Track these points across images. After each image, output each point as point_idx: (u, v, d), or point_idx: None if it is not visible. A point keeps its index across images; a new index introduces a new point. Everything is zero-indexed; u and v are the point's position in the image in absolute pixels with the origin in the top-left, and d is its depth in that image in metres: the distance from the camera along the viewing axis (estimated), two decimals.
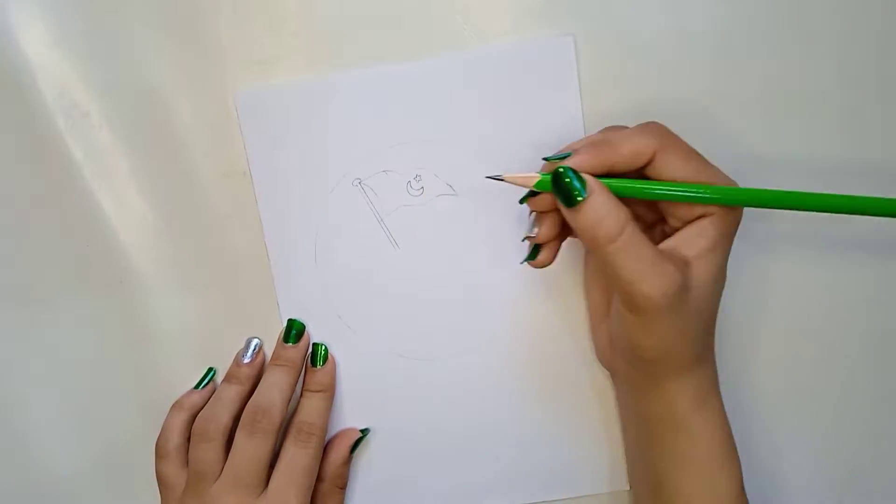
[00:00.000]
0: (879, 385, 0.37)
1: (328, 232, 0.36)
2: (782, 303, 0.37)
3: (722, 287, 0.31)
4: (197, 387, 0.37)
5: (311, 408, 0.36)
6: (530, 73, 0.35)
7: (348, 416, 0.38)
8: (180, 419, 0.36)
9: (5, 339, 0.38)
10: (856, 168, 0.36)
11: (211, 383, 0.37)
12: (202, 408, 0.36)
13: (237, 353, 0.37)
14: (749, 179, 0.36)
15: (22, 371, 0.38)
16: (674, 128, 0.35)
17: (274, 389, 0.35)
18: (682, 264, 0.29)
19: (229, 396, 0.35)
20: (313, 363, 0.36)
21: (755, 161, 0.36)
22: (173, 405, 0.37)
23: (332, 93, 0.35)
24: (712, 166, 0.30)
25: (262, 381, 0.36)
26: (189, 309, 0.37)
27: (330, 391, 0.36)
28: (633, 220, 0.28)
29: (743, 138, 0.36)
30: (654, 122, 0.30)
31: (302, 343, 0.36)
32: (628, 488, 0.38)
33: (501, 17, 0.35)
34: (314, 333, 0.37)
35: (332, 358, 0.37)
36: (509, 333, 0.37)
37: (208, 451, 0.34)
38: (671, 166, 0.29)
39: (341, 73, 0.35)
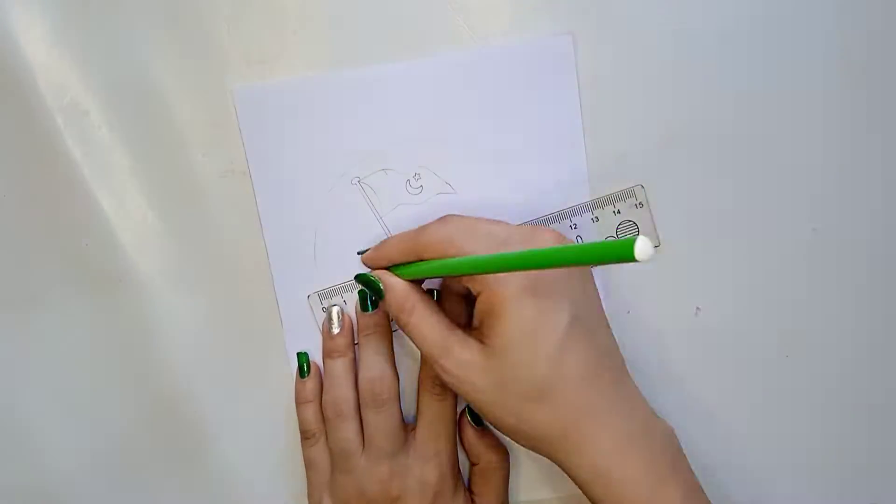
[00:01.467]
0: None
1: (327, 230, 0.36)
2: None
3: (546, 347, 0.29)
4: (302, 375, 0.37)
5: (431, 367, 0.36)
6: (529, 72, 0.35)
7: None
8: (313, 409, 0.36)
9: (5, 339, 0.38)
10: (856, 167, 0.36)
11: (314, 367, 0.37)
12: (321, 392, 0.37)
13: (323, 328, 0.37)
14: (751, 175, 0.36)
15: (21, 371, 0.38)
16: (674, 128, 0.36)
17: (377, 358, 0.35)
18: (477, 336, 0.31)
19: (342, 371, 0.36)
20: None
21: (755, 161, 0.36)
22: (299, 402, 0.37)
23: (331, 91, 0.35)
24: (478, 241, 0.30)
25: (360, 356, 0.36)
26: (188, 307, 0.37)
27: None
28: (427, 300, 0.32)
29: (743, 138, 0.36)
30: (430, 223, 0.33)
31: (382, 306, 0.36)
32: None
33: (500, 16, 0.35)
34: (312, 331, 0.37)
35: None
36: None
37: (348, 430, 0.35)
38: (430, 255, 0.32)
39: (341, 72, 0.35)
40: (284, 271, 0.37)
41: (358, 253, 0.36)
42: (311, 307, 0.37)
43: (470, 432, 0.36)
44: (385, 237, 0.36)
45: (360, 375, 0.35)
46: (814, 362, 0.37)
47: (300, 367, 0.37)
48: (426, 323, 0.32)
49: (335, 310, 0.36)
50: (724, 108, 0.35)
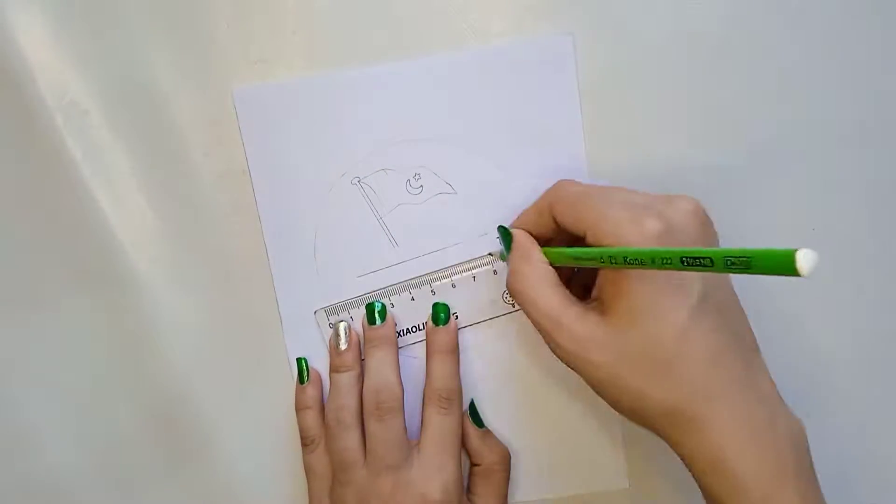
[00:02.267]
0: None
1: (327, 230, 0.36)
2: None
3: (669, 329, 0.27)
4: (301, 381, 0.37)
5: (443, 371, 0.35)
6: (529, 72, 0.35)
7: None
8: (312, 416, 0.36)
9: (5, 339, 0.38)
10: (856, 167, 0.36)
11: (314, 373, 0.37)
12: (321, 399, 0.36)
13: (330, 343, 0.36)
14: (751, 175, 0.36)
15: (21, 371, 0.38)
16: (673, 128, 0.36)
17: (383, 369, 0.35)
18: (597, 310, 0.29)
19: (347, 383, 0.35)
20: (435, 322, 0.36)
21: (755, 160, 0.36)
22: (299, 408, 0.37)
23: (331, 91, 0.35)
24: (612, 202, 0.29)
25: (366, 366, 0.35)
26: (188, 307, 0.37)
27: (456, 352, 0.36)
28: (547, 273, 0.31)
29: (742, 138, 0.36)
30: (558, 182, 0.32)
31: (388, 320, 0.36)
32: (627, 485, 0.38)
33: (500, 16, 0.35)
34: (313, 331, 0.37)
35: (454, 317, 0.36)
36: (509, 330, 0.37)
37: (348, 439, 0.34)
38: (565, 218, 0.30)
39: (340, 72, 0.35)
40: (284, 271, 0.37)
41: (498, 228, 0.35)
42: (318, 323, 0.37)
43: (473, 433, 0.36)
44: (384, 236, 0.36)
45: (365, 385, 0.35)
46: (814, 362, 0.37)
47: (299, 373, 0.37)
48: (542, 295, 0.30)
49: (342, 325, 0.36)
50: (723, 108, 0.35)
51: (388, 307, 0.36)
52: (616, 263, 0.26)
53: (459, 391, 0.35)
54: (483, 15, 0.35)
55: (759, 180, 0.36)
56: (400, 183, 0.36)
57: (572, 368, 0.30)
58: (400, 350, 0.36)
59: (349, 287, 0.37)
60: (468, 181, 0.36)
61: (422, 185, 0.36)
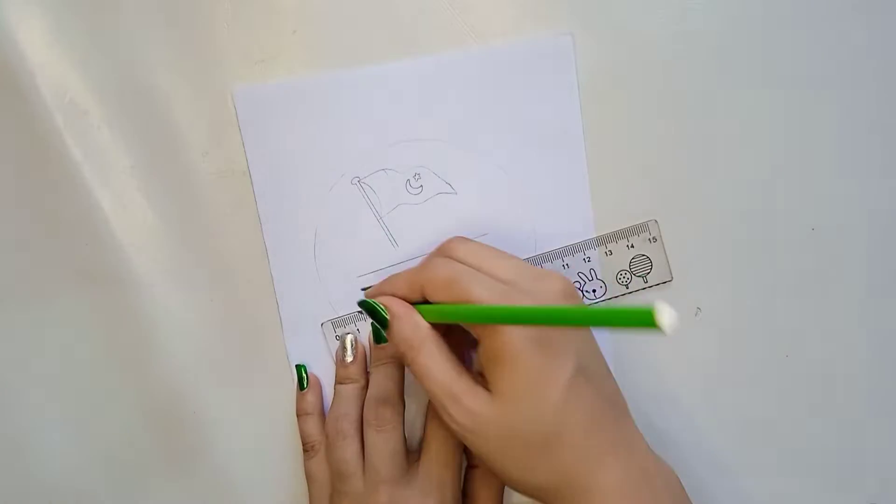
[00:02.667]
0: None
1: (327, 230, 0.36)
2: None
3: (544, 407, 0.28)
4: (301, 388, 0.37)
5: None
6: (529, 72, 0.35)
7: None
8: (312, 422, 0.36)
9: (4, 339, 0.38)
10: (855, 167, 0.36)
11: (314, 378, 0.37)
12: (322, 406, 0.36)
13: (337, 356, 0.37)
14: (751, 175, 0.36)
15: (21, 371, 0.38)
16: (672, 127, 0.36)
17: (387, 382, 0.34)
18: (483, 384, 0.30)
19: (350, 393, 0.35)
20: None
21: (754, 160, 0.36)
22: (299, 414, 0.37)
23: (331, 91, 0.35)
24: (480, 285, 0.29)
25: (371, 378, 0.35)
26: (188, 307, 0.37)
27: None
28: (436, 338, 0.31)
29: (742, 137, 0.36)
30: (433, 257, 0.33)
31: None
32: None
33: (500, 17, 0.35)
34: (312, 331, 0.37)
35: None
36: None
37: (346, 450, 0.34)
38: (433, 298, 0.31)
39: (340, 72, 0.35)
40: (284, 271, 0.37)
41: (362, 289, 0.35)
42: (325, 334, 0.37)
43: None
44: (384, 236, 0.36)
45: (367, 395, 0.35)
46: (814, 362, 0.37)
47: (299, 380, 0.37)
48: (435, 364, 0.30)
49: (349, 338, 0.36)
50: (723, 108, 0.35)
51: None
52: (486, 319, 0.28)
53: None
54: (483, 15, 0.35)
55: (759, 180, 0.36)
56: (400, 183, 0.36)
57: (462, 440, 0.30)
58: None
59: (349, 287, 0.37)
60: (468, 181, 0.36)
61: (422, 185, 0.36)
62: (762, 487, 0.37)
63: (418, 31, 0.35)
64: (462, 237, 0.34)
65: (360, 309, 0.34)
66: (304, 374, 0.37)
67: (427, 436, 0.34)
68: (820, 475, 0.37)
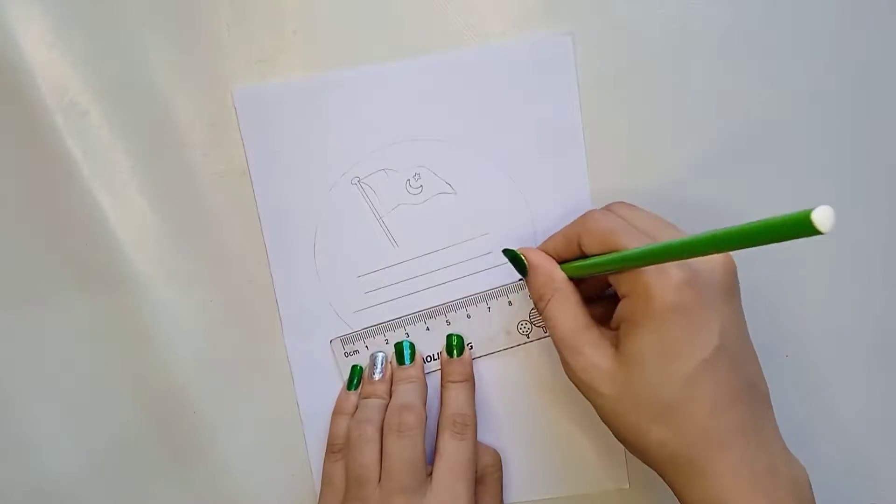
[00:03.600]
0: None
1: (327, 230, 0.36)
2: None
3: (688, 357, 0.27)
4: (349, 388, 0.37)
5: (458, 399, 0.35)
6: (529, 72, 0.35)
7: None
8: (346, 423, 0.36)
9: (4, 339, 0.38)
10: (855, 167, 0.36)
11: (363, 381, 0.37)
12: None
13: (365, 373, 0.37)
14: (751, 175, 0.36)
15: (21, 371, 0.38)
16: (672, 127, 0.36)
17: (409, 394, 0.35)
18: (613, 340, 0.30)
19: (376, 404, 0.35)
20: (449, 354, 0.36)
21: (754, 161, 0.36)
22: (336, 411, 0.37)
23: (331, 91, 0.35)
24: (639, 239, 0.28)
25: (394, 392, 0.36)
26: (188, 308, 0.37)
27: (471, 380, 0.36)
28: (569, 291, 0.31)
29: (742, 138, 0.36)
30: (592, 211, 0.32)
31: (417, 359, 0.36)
32: (628, 486, 0.38)
33: (500, 17, 0.35)
34: (311, 331, 0.37)
35: (468, 347, 0.37)
36: (508, 331, 0.37)
37: (367, 455, 0.33)
38: (589, 248, 0.31)
39: (340, 72, 0.35)
40: (284, 271, 0.37)
41: (504, 251, 0.35)
42: (333, 352, 0.37)
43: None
44: (384, 236, 0.36)
45: (391, 403, 0.35)
46: (814, 362, 0.37)
47: (351, 379, 0.37)
48: (563, 313, 0.31)
49: (380, 356, 0.37)
50: (723, 108, 0.35)
51: (404, 336, 0.37)
52: (629, 263, 0.27)
53: (474, 419, 0.35)
54: (483, 15, 0.35)
55: (758, 180, 0.36)
56: (400, 183, 0.36)
57: (581, 391, 0.31)
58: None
59: (348, 286, 0.37)
60: (468, 181, 0.36)
61: (421, 185, 0.36)
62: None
63: (418, 31, 0.35)
64: (628, 203, 0.32)
65: (504, 257, 0.34)
66: (356, 376, 0.37)
67: (439, 448, 0.34)
68: (820, 475, 0.37)
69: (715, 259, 0.29)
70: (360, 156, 0.36)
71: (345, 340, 0.37)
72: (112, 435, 0.38)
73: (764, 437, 0.28)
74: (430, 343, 0.37)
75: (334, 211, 0.36)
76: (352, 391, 0.37)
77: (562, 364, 0.31)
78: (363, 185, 0.36)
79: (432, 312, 0.37)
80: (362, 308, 0.37)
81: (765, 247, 0.36)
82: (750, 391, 0.29)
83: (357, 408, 0.36)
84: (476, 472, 0.35)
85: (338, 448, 0.36)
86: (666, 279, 0.27)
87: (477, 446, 0.35)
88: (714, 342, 0.27)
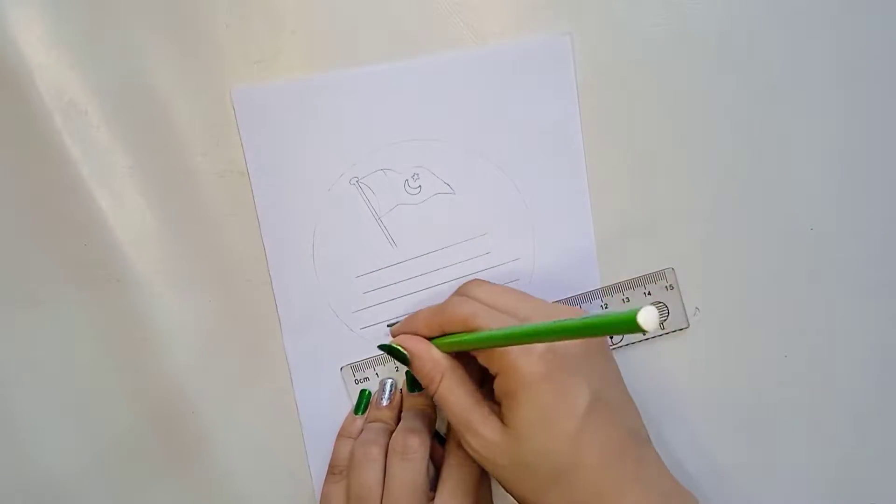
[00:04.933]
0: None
1: (326, 230, 0.36)
2: None
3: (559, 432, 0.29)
4: (356, 412, 0.37)
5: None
6: (527, 72, 0.35)
7: None
8: (350, 447, 0.36)
9: (4, 339, 0.38)
10: (853, 167, 0.36)
11: (371, 407, 0.37)
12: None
13: (374, 397, 0.37)
14: (750, 175, 0.36)
15: (20, 371, 0.38)
16: (671, 127, 0.36)
17: (417, 421, 0.35)
18: (498, 414, 0.31)
19: (381, 427, 0.36)
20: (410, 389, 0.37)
21: (754, 161, 0.36)
22: (340, 434, 0.37)
23: (329, 91, 0.35)
24: (504, 322, 0.30)
25: (402, 417, 0.36)
26: (187, 308, 0.37)
27: None
28: (455, 371, 0.32)
29: (742, 138, 0.36)
30: (452, 297, 0.33)
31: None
32: None
33: (499, 17, 0.35)
34: (310, 331, 0.37)
35: None
36: None
37: (370, 476, 0.34)
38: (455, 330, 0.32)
39: (339, 72, 0.35)
40: (283, 271, 0.37)
41: (388, 325, 0.36)
42: (344, 379, 0.37)
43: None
44: (383, 236, 0.36)
45: (398, 428, 0.35)
46: (814, 362, 0.37)
47: (358, 404, 0.37)
48: (453, 394, 0.32)
49: (389, 382, 0.37)
50: (722, 108, 0.35)
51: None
52: (496, 342, 0.29)
53: None
54: (482, 15, 0.35)
55: (758, 180, 0.36)
56: (398, 183, 0.36)
57: (480, 464, 0.32)
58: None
59: (347, 286, 0.37)
60: (467, 181, 0.36)
61: (420, 185, 0.36)
62: (761, 487, 0.37)
63: (417, 31, 0.35)
64: (481, 280, 0.34)
65: (381, 352, 0.35)
66: (364, 400, 0.37)
67: (444, 472, 0.34)
68: (820, 475, 0.37)
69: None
70: (358, 156, 0.36)
71: (355, 368, 0.37)
72: (111, 435, 0.38)
73: (652, 478, 0.30)
74: None
75: (333, 211, 0.36)
76: (359, 415, 0.37)
77: (461, 442, 0.32)
78: (362, 186, 0.36)
79: None
80: (361, 308, 0.37)
81: (764, 247, 0.36)
82: (632, 437, 0.30)
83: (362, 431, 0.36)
84: (479, 491, 0.35)
85: (339, 470, 0.36)
86: (529, 352, 0.29)
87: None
88: (585, 400, 0.29)
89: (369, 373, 0.37)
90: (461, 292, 0.34)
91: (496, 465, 0.30)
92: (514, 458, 0.30)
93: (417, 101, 0.35)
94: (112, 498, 0.39)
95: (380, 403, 0.37)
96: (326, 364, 0.37)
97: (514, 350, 0.29)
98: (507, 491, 0.31)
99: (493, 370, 0.31)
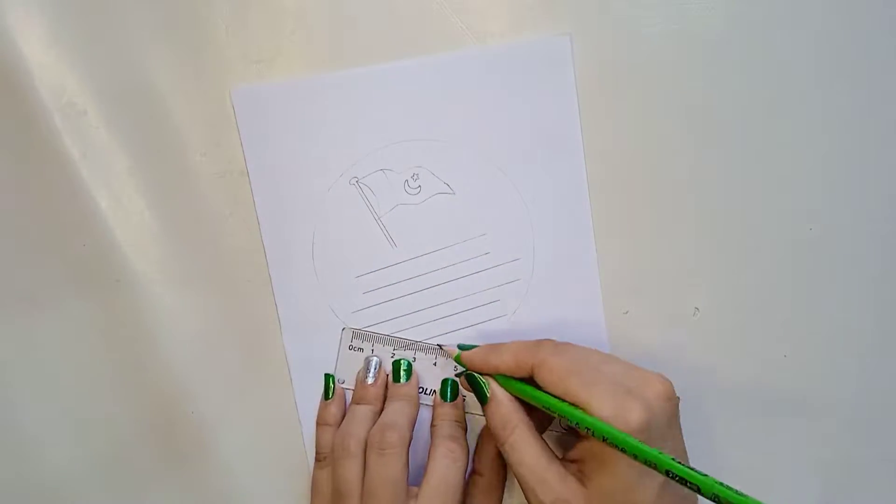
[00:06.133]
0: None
1: (325, 230, 0.36)
2: None
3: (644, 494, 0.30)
4: (326, 397, 0.37)
5: (450, 413, 0.36)
6: (527, 73, 0.35)
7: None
8: (330, 433, 0.36)
9: (4, 339, 0.38)
10: (852, 168, 0.36)
11: (339, 390, 0.37)
12: (341, 420, 0.36)
13: (358, 376, 0.37)
14: (749, 175, 0.36)
15: (21, 371, 0.38)
16: (671, 126, 0.36)
17: (398, 414, 0.35)
18: (576, 474, 0.31)
19: (364, 414, 0.36)
20: (442, 397, 0.37)
21: (753, 161, 0.36)
22: (319, 423, 0.37)
23: (329, 92, 0.35)
24: (599, 384, 0.30)
25: (385, 409, 0.36)
26: (186, 308, 0.37)
27: (461, 403, 0.37)
28: (526, 424, 0.32)
29: (741, 138, 0.36)
30: (547, 341, 0.33)
31: (413, 379, 0.37)
32: None
33: (498, 17, 0.35)
34: (310, 331, 0.37)
35: (461, 398, 0.37)
36: (506, 331, 0.37)
37: (349, 469, 0.34)
38: (547, 384, 0.31)
39: (338, 72, 0.35)
40: (282, 271, 0.37)
41: (459, 346, 0.35)
42: (342, 338, 0.37)
43: (490, 445, 0.35)
44: (382, 236, 0.36)
45: (378, 421, 0.35)
46: (813, 362, 0.37)
47: (325, 389, 0.37)
48: (526, 446, 0.32)
49: (374, 361, 0.37)
50: (722, 108, 0.35)
51: (412, 358, 0.37)
52: (592, 433, 0.29)
53: (465, 438, 0.35)
54: (481, 16, 0.35)
55: (758, 180, 0.36)
56: (398, 183, 0.36)
57: None
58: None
59: (347, 286, 0.37)
60: (466, 181, 0.36)
61: (420, 186, 0.36)
62: (761, 487, 0.37)
63: (416, 31, 0.35)
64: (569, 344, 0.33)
65: (459, 374, 0.35)
66: (330, 385, 0.37)
67: (429, 467, 0.34)
68: (820, 475, 0.37)
69: (660, 393, 0.31)
70: (358, 156, 0.36)
71: (356, 334, 0.37)
72: (111, 435, 0.38)
73: None
74: (434, 377, 0.37)
75: (333, 211, 0.36)
76: (330, 400, 0.37)
77: (526, 494, 0.32)
78: (362, 186, 0.36)
79: (445, 352, 0.37)
80: (361, 308, 0.37)
81: (764, 247, 0.36)
82: (688, 499, 0.31)
83: (340, 417, 0.36)
84: (463, 497, 0.34)
85: (323, 456, 0.36)
86: (628, 422, 0.29)
87: (498, 454, 0.35)
88: (663, 478, 0.29)
89: (366, 346, 0.37)
90: (555, 345, 0.33)
91: None
92: None
93: (417, 101, 0.35)
94: (112, 498, 0.39)
95: (365, 382, 0.36)
96: (325, 364, 0.37)
97: (612, 418, 0.29)
98: None
99: (582, 430, 0.30)
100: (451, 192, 0.36)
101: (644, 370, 0.31)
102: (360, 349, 0.37)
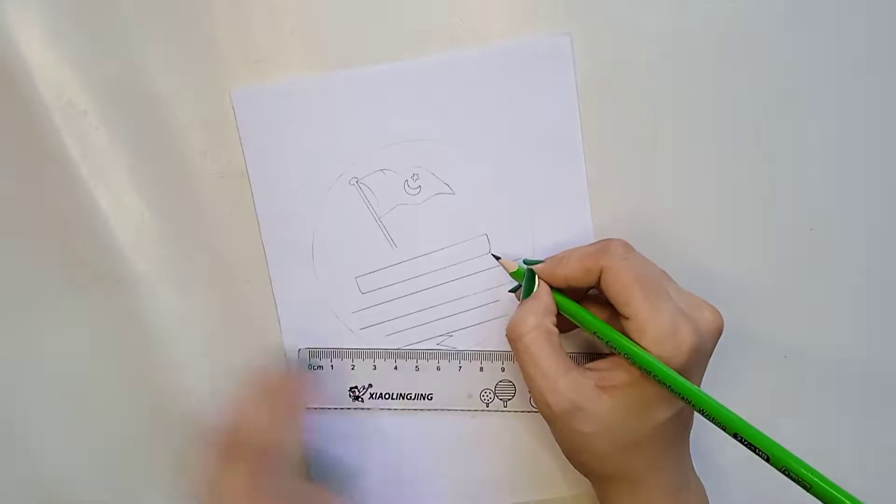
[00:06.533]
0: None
1: (325, 231, 0.36)
2: None
3: (652, 414, 0.31)
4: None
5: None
6: (527, 73, 0.35)
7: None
8: None
9: (4, 339, 0.38)
10: (852, 168, 0.36)
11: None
12: None
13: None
14: (750, 175, 0.36)
15: (21, 371, 0.38)
16: (671, 126, 0.36)
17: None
18: (591, 388, 0.31)
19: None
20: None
21: (753, 161, 0.36)
22: None
23: (329, 92, 0.35)
24: (660, 299, 0.30)
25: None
26: (186, 308, 0.37)
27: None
28: (546, 331, 0.31)
29: (741, 138, 0.36)
30: (614, 241, 0.32)
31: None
32: None
33: (499, 17, 0.35)
34: (311, 332, 0.37)
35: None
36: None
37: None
38: (611, 289, 0.31)
39: (338, 72, 0.35)
40: (282, 271, 0.37)
41: (525, 262, 0.34)
42: (298, 360, 0.37)
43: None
44: (382, 236, 0.36)
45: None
46: (813, 362, 0.37)
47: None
48: (542, 352, 0.31)
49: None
50: (722, 109, 0.35)
51: (370, 367, 0.37)
52: (642, 367, 0.30)
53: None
54: (481, 16, 0.35)
55: (758, 180, 0.36)
56: (398, 183, 0.36)
57: (548, 422, 0.32)
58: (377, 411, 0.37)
59: (346, 286, 0.37)
60: (466, 181, 0.36)
61: (420, 186, 0.36)
62: (761, 486, 0.37)
63: (416, 31, 0.35)
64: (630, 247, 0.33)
65: (524, 266, 0.34)
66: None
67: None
68: (820, 470, 0.37)
69: (710, 322, 0.31)
70: (358, 156, 0.36)
71: (312, 353, 0.37)
72: (111, 435, 0.38)
73: (685, 462, 0.33)
74: (397, 382, 0.37)
75: (333, 211, 0.36)
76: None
77: (533, 396, 0.32)
78: (361, 186, 0.36)
79: (404, 354, 0.37)
80: (360, 308, 0.37)
81: (764, 247, 0.36)
82: (683, 427, 0.33)
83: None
84: None
85: None
86: (680, 344, 0.29)
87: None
88: (681, 404, 0.31)
89: (325, 363, 0.37)
90: (621, 246, 0.32)
91: (572, 430, 0.31)
92: (600, 426, 0.30)
93: (417, 101, 0.35)
94: (112, 498, 0.39)
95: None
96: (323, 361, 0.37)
97: (666, 339, 0.29)
98: (564, 448, 0.32)
99: (633, 338, 0.30)
100: (451, 192, 0.36)
101: (699, 298, 0.32)
102: (320, 367, 0.37)
